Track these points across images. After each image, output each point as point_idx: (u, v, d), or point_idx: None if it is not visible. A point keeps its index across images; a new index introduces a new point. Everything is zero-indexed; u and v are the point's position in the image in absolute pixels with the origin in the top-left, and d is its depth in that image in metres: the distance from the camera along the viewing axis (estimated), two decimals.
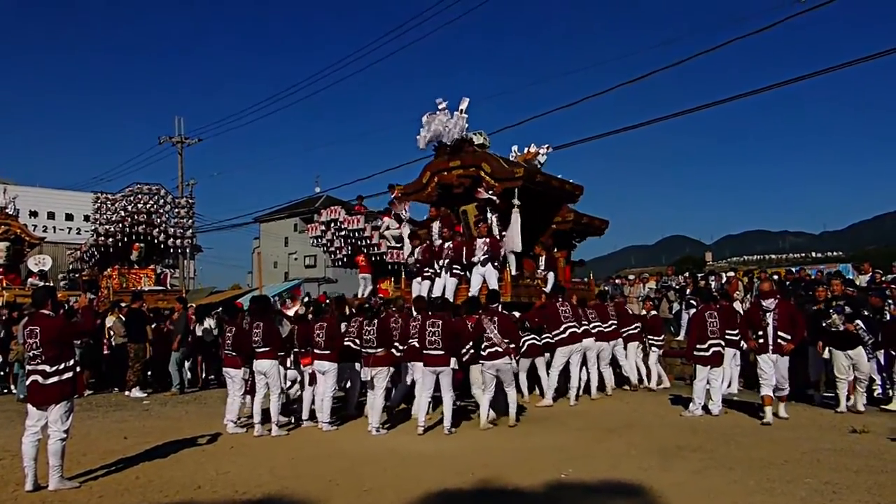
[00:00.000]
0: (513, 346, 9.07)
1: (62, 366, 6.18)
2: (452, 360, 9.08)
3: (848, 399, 9.77)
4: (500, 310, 9.48)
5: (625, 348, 12.39)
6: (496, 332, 8.92)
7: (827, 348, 10.07)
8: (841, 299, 10.09)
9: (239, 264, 77.44)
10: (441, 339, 8.79)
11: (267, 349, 9.05)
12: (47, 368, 6.13)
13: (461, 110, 12.55)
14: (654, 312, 13.76)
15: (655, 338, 13.06)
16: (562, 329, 10.83)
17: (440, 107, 12.54)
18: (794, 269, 28.10)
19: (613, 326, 11.95)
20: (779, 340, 8.94)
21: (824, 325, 9.99)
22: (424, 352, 8.97)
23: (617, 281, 20.91)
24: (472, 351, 9.25)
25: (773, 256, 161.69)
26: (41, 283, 18.77)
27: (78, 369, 6.40)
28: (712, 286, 17.36)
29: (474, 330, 9.15)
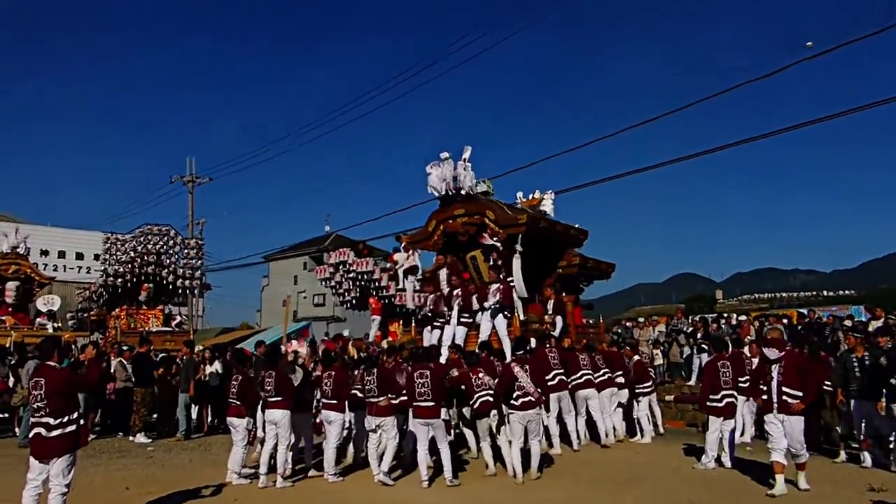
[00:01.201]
0: (543, 395, 8.96)
1: (66, 418, 6.13)
2: (443, 410, 8.97)
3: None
4: (528, 357, 9.36)
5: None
6: (528, 380, 8.72)
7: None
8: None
9: (248, 303, 77.46)
10: (430, 391, 8.67)
11: (279, 399, 8.96)
12: (51, 421, 6.08)
13: (464, 159, 12.65)
14: (636, 358, 12.83)
15: (642, 385, 12.37)
16: (551, 375, 10.62)
17: (443, 157, 12.63)
18: (804, 311, 27.88)
19: (606, 375, 11.75)
20: (784, 398, 7.84)
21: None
22: (415, 404, 8.85)
23: (627, 324, 20.72)
24: (476, 405, 9.12)
25: (784, 295, 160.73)
26: (49, 324, 18.83)
27: (82, 422, 6.34)
28: (723, 330, 17.22)
29: (506, 377, 8.90)
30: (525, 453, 8.84)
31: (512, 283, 12.02)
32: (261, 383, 9.19)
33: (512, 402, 8.71)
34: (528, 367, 8.88)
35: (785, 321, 17.74)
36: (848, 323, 15.17)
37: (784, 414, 7.83)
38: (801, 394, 7.85)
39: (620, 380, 12.01)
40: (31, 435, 6.21)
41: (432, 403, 8.65)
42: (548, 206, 14.78)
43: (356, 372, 10.04)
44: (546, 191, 15.11)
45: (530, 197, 15.23)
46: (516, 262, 12.15)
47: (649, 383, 12.57)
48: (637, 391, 12.26)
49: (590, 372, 11.40)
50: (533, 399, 8.64)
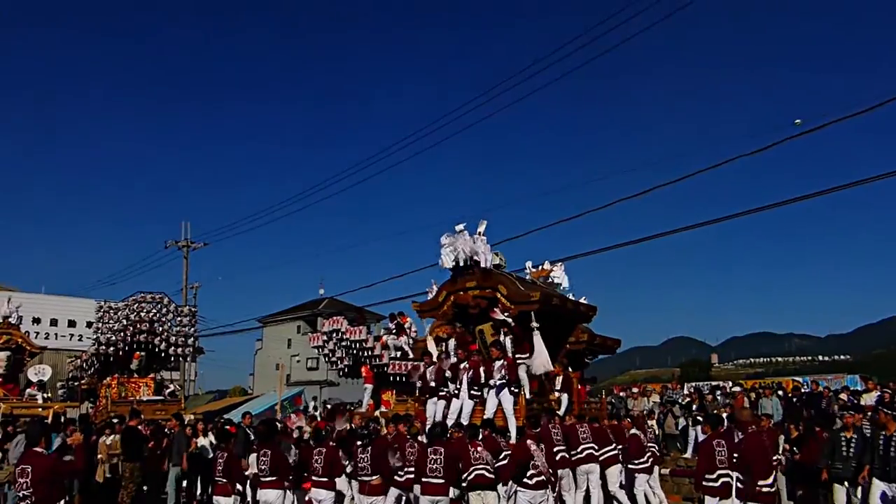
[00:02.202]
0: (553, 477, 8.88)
1: None
2: (451, 489, 8.88)
3: None
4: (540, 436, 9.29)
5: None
6: (543, 458, 8.68)
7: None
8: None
9: (241, 366, 76.83)
10: (443, 468, 8.62)
11: (274, 479, 8.85)
12: None
13: (480, 233, 12.75)
14: (633, 431, 12.05)
15: (637, 461, 11.64)
16: (554, 451, 10.45)
17: (458, 229, 12.72)
18: (801, 380, 27.75)
19: (614, 449, 11.57)
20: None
21: None
22: (424, 480, 8.76)
23: (621, 394, 20.62)
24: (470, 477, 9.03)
25: (780, 359, 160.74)
26: (39, 394, 18.67)
27: None
28: (718, 401, 17.16)
29: (522, 455, 8.80)
30: None
31: (520, 361, 11.87)
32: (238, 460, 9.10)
33: (525, 480, 8.58)
34: (542, 445, 8.84)
35: (780, 393, 17.67)
36: (843, 396, 15.15)
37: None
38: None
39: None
40: None
41: (443, 481, 8.60)
42: (559, 276, 14.65)
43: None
44: (556, 262, 15.10)
45: (539, 268, 15.19)
46: (537, 338, 12.01)
47: (643, 458, 11.68)
48: (631, 468, 11.61)
49: (592, 445, 11.14)
50: (545, 478, 8.56)
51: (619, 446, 11.74)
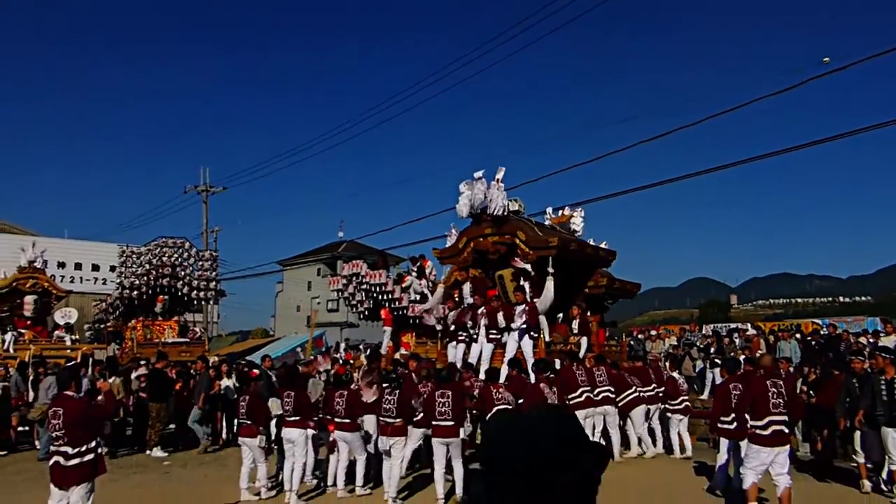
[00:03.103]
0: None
1: (84, 448, 6.27)
2: (461, 429, 9.07)
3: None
4: (554, 377, 9.41)
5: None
6: (556, 401, 8.77)
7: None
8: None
9: (262, 308, 77.91)
10: (450, 410, 8.78)
11: (297, 419, 9.12)
12: (69, 450, 6.21)
13: (498, 180, 12.72)
14: (672, 374, 12.40)
15: (672, 402, 12.03)
16: (578, 393, 10.80)
17: (477, 176, 12.69)
18: (820, 322, 27.69)
19: (631, 393, 11.78)
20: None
21: None
22: (434, 423, 8.95)
23: (640, 336, 20.72)
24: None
25: (800, 301, 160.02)
26: (67, 336, 19.07)
27: (100, 451, 6.47)
28: (735, 344, 17.20)
29: (535, 397, 8.93)
30: None
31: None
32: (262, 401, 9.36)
33: None
34: (555, 388, 8.91)
35: (797, 336, 17.67)
36: (863, 340, 15.09)
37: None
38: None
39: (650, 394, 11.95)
40: (50, 463, 6.36)
41: (452, 423, 8.76)
42: (577, 223, 14.79)
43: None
44: (576, 208, 15.18)
45: (560, 214, 15.29)
46: (549, 283, 12.14)
47: (677, 400, 11.98)
48: (667, 408, 11.99)
49: (608, 388, 11.35)
50: None
51: (654, 388, 12.05)
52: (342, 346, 22.92)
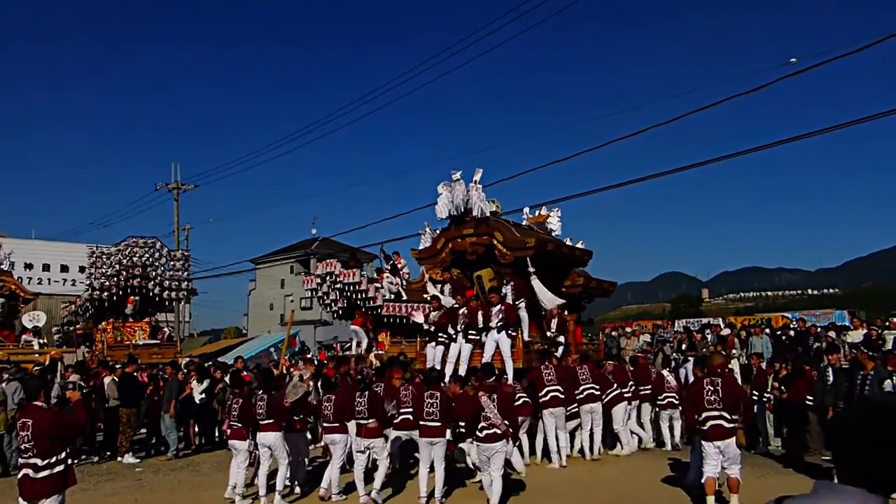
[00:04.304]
0: (511, 428, 8.63)
1: (53, 459, 6.11)
2: (447, 431, 9.07)
3: None
4: (497, 384, 9.35)
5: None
6: (495, 410, 8.33)
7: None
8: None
9: (235, 308, 77.37)
10: (439, 412, 8.79)
11: (271, 421, 9.10)
12: (38, 462, 6.06)
13: (475, 181, 12.82)
14: (661, 371, 12.98)
15: (660, 397, 12.47)
16: (544, 392, 10.89)
17: (454, 178, 12.80)
18: (790, 316, 28.18)
19: (613, 391, 11.90)
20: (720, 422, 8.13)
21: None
22: (421, 423, 8.96)
23: (614, 333, 20.85)
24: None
25: (770, 294, 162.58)
26: (35, 340, 18.74)
27: (70, 462, 6.34)
28: (707, 340, 17.37)
29: (471, 406, 8.71)
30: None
31: (518, 306, 12.25)
32: (251, 405, 9.30)
33: (478, 433, 8.38)
34: (495, 395, 8.69)
35: (767, 332, 17.90)
36: (832, 334, 15.33)
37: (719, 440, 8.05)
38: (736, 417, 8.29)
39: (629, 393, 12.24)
40: (19, 476, 6.21)
41: (439, 424, 8.78)
42: (554, 223, 15.01)
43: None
44: (552, 208, 15.36)
45: (536, 213, 15.46)
46: (535, 281, 12.41)
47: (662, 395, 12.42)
48: (658, 404, 12.44)
49: (592, 386, 11.49)
50: (499, 431, 8.25)
51: (632, 386, 12.33)
52: (314, 348, 22.81)
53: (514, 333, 11.76)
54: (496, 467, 8.30)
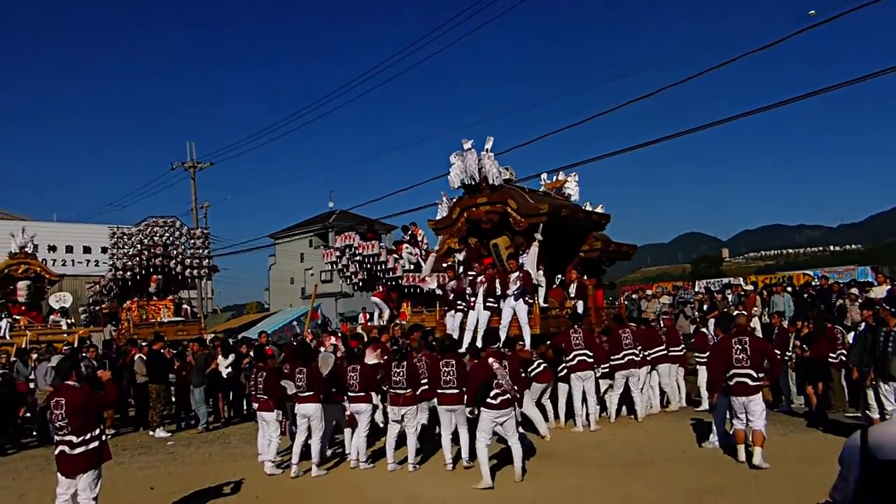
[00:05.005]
0: (519, 394, 8.85)
1: (88, 436, 6.31)
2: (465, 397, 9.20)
3: None
4: (506, 352, 9.34)
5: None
6: (507, 378, 8.34)
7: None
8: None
9: (256, 283, 78.12)
10: (455, 379, 8.92)
11: (311, 393, 9.29)
12: (73, 439, 6.26)
13: (487, 149, 12.80)
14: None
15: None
16: (571, 356, 11.12)
17: (466, 147, 12.78)
18: (812, 273, 27.92)
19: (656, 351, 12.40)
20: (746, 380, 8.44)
21: None
22: (439, 391, 9.08)
23: (634, 296, 20.83)
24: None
25: (791, 251, 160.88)
26: (63, 320, 19.08)
27: (104, 438, 6.53)
28: (728, 301, 17.32)
29: (483, 375, 8.50)
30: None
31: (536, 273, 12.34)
32: (290, 377, 9.49)
33: (489, 399, 8.32)
34: (506, 362, 8.73)
35: (789, 290, 17.80)
36: (855, 291, 15.18)
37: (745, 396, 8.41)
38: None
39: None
40: (56, 452, 6.40)
41: (457, 391, 8.89)
42: (572, 188, 15.00)
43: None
44: (570, 173, 15.34)
45: (554, 179, 15.44)
46: (534, 249, 12.45)
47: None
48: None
49: (633, 351, 11.91)
50: (509, 397, 8.32)
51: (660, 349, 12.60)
52: (335, 320, 23.01)
53: (530, 300, 11.86)
54: (512, 432, 8.43)
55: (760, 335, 12.84)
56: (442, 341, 10.24)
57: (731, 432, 8.77)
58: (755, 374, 8.40)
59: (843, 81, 14.11)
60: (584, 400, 11.23)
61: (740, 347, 8.51)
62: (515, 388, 8.47)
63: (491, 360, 8.47)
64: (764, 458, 8.17)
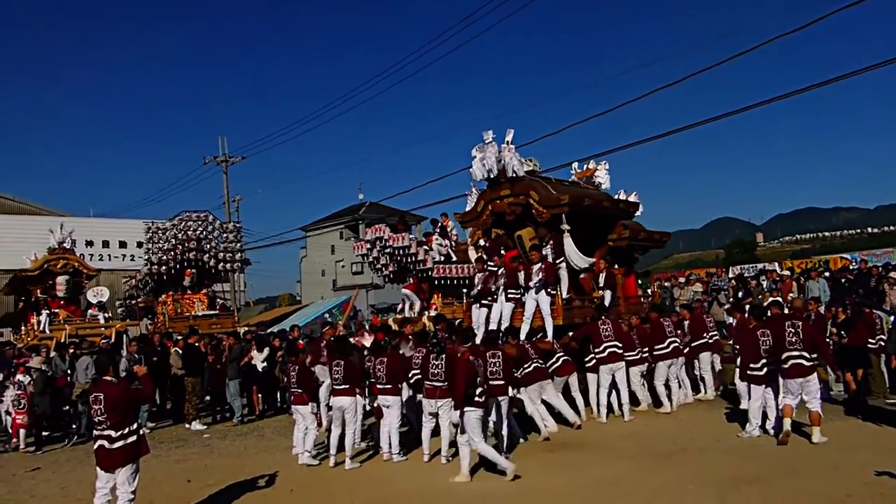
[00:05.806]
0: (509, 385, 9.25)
1: (126, 430, 6.45)
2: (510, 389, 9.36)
3: None
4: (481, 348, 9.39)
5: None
6: (500, 366, 9.04)
7: None
8: None
9: (288, 275, 78.74)
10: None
11: (347, 387, 9.41)
12: (112, 433, 6.40)
13: (507, 142, 12.81)
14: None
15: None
16: (601, 348, 11.09)
17: (487, 140, 12.78)
18: (850, 256, 27.38)
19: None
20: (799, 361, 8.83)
21: None
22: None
23: (666, 283, 20.60)
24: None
25: (827, 234, 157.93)
26: (100, 315, 19.43)
27: (141, 432, 6.65)
28: (762, 287, 17.07)
29: (468, 371, 8.51)
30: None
31: (558, 265, 12.28)
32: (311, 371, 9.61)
33: (476, 399, 8.40)
34: (499, 353, 9.20)
35: (826, 275, 17.48)
36: (894, 274, 14.86)
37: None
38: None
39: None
40: (95, 447, 6.54)
41: (502, 382, 9.01)
42: (602, 176, 14.93)
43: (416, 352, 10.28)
44: (600, 161, 15.28)
45: (584, 168, 15.37)
46: (567, 240, 12.43)
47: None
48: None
49: (675, 340, 11.92)
50: (503, 383, 9.01)
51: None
52: (367, 311, 23.11)
53: (553, 292, 11.82)
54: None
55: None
56: (486, 335, 10.38)
57: (780, 407, 9.02)
58: (808, 355, 8.77)
59: (875, 63, 13.69)
60: (617, 391, 11.19)
61: (793, 331, 8.86)
62: (503, 381, 9.00)
63: (470, 357, 8.57)
64: (822, 436, 8.63)
